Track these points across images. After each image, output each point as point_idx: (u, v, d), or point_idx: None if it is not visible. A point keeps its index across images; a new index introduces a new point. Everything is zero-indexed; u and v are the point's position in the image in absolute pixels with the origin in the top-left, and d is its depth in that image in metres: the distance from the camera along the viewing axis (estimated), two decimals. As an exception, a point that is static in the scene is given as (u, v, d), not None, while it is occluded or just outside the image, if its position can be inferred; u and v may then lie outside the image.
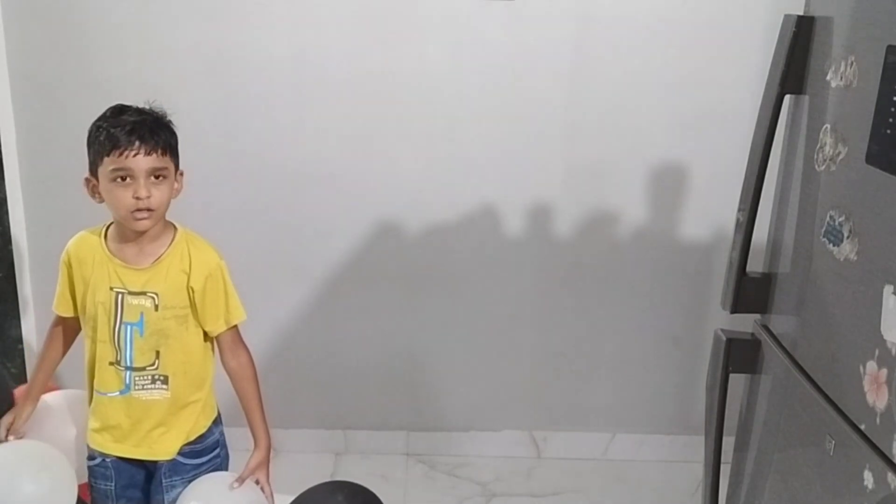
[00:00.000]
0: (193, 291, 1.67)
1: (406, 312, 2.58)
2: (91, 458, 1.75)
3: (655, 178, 2.47)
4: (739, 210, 1.67)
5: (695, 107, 2.41)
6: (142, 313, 1.64)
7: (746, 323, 1.73)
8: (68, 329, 1.77)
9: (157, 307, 1.65)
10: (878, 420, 1.22)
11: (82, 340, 1.74)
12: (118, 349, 1.66)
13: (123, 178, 1.55)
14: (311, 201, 2.49)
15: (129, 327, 1.65)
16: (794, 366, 1.51)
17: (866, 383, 1.25)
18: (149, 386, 1.68)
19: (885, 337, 1.20)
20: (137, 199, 1.55)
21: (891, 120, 1.22)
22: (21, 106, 2.41)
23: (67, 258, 1.69)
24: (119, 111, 1.60)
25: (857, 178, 1.32)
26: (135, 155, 1.55)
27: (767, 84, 1.60)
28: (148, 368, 1.67)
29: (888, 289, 1.20)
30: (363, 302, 2.57)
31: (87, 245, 1.67)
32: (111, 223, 1.68)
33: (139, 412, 1.69)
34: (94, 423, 1.72)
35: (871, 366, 1.24)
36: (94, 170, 1.59)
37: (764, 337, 1.66)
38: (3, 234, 2.47)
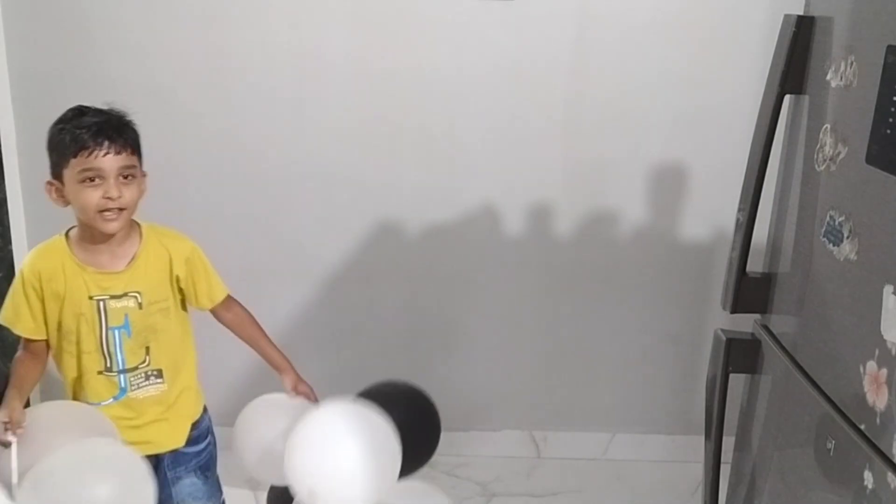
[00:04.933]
0: (179, 279, 1.69)
1: (405, 312, 2.58)
2: None
3: (655, 178, 2.47)
4: (739, 210, 1.67)
5: (695, 107, 2.41)
6: (126, 315, 1.64)
7: (746, 323, 1.73)
8: (39, 351, 1.67)
9: (140, 305, 1.64)
10: (878, 420, 1.22)
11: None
12: (107, 356, 1.64)
13: (92, 179, 1.53)
14: (311, 201, 2.49)
15: (116, 331, 1.63)
16: (794, 366, 1.51)
17: (866, 383, 1.25)
18: (144, 384, 1.68)
19: (885, 337, 1.20)
20: (108, 199, 1.54)
21: (891, 120, 1.22)
22: (21, 106, 2.41)
23: (31, 279, 1.61)
24: (80, 112, 1.58)
25: (857, 178, 1.32)
26: (104, 154, 1.53)
27: (767, 84, 1.60)
28: (140, 367, 1.67)
29: (888, 289, 1.20)
30: (363, 301, 2.57)
31: (51, 259, 1.62)
32: (68, 231, 1.65)
33: (138, 411, 1.69)
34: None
35: (871, 366, 1.24)
36: (57, 172, 1.56)
37: (764, 337, 1.66)
38: (3, 235, 2.47)
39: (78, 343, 1.63)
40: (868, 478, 1.23)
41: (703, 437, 1.83)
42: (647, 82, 2.39)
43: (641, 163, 2.46)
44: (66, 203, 1.58)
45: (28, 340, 1.67)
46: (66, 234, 1.64)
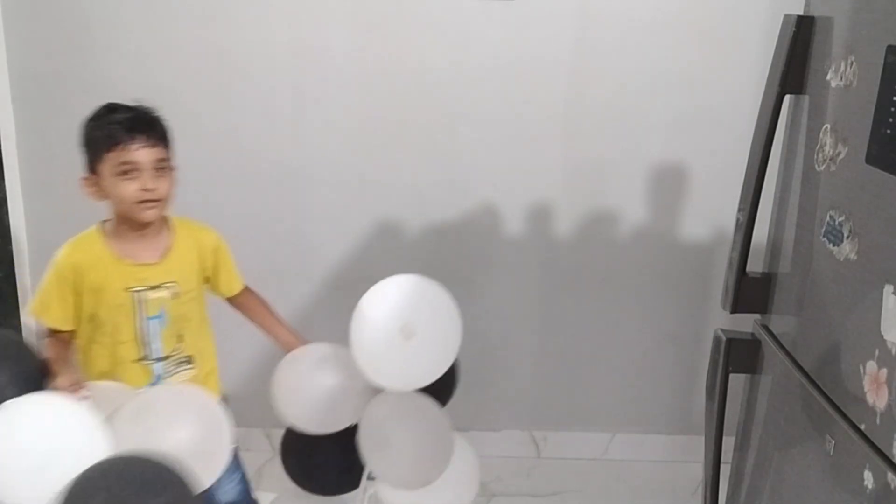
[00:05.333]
0: (207, 269, 1.78)
1: (406, 312, 2.58)
2: None
3: (655, 178, 2.47)
4: (739, 210, 1.67)
5: (695, 107, 2.41)
6: (162, 305, 1.70)
7: (746, 323, 1.73)
8: (65, 341, 1.70)
9: (175, 295, 1.70)
10: (878, 420, 1.22)
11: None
12: (144, 345, 1.69)
13: (128, 173, 1.59)
14: (311, 201, 2.49)
15: (152, 321, 1.69)
16: (794, 366, 1.51)
17: (866, 383, 1.25)
18: (176, 370, 1.74)
19: (885, 337, 1.20)
20: (145, 190, 1.60)
21: (891, 120, 1.22)
22: (21, 106, 2.42)
23: (66, 271, 1.65)
24: (111, 109, 1.63)
25: (857, 178, 1.32)
26: (139, 148, 1.59)
27: (767, 84, 1.60)
28: (174, 354, 1.73)
29: (888, 289, 1.20)
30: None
31: (88, 252, 1.67)
32: (102, 224, 1.69)
33: None
34: None
35: (871, 366, 1.24)
36: (93, 168, 1.61)
37: (764, 337, 1.66)
38: (3, 235, 2.47)
39: (113, 334, 1.68)
40: (868, 478, 1.23)
41: (703, 437, 1.83)
42: (647, 82, 2.39)
43: (641, 163, 2.46)
44: (104, 197, 1.64)
45: (54, 331, 1.70)
46: (101, 227, 1.69)
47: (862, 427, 1.26)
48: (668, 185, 2.48)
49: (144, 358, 1.70)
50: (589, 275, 2.55)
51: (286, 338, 1.88)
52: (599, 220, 2.51)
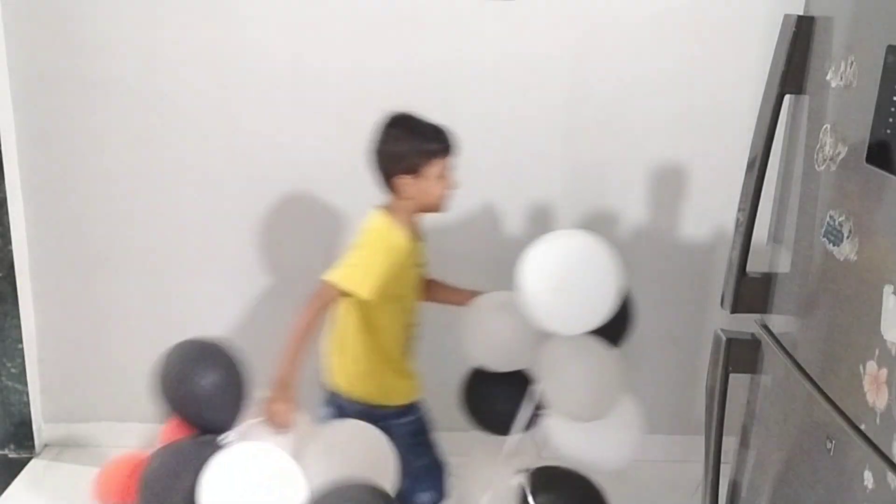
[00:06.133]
0: None
1: (406, 312, 2.58)
2: (408, 413, 2.03)
3: (655, 178, 2.47)
4: (739, 210, 1.67)
5: (695, 107, 2.41)
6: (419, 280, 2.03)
7: (746, 323, 1.73)
8: (313, 332, 1.89)
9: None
10: (878, 420, 1.22)
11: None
12: (415, 314, 2.03)
13: (442, 176, 1.93)
14: (311, 201, 2.49)
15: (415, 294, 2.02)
16: (794, 366, 1.51)
17: (866, 383, 1.25)
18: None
19: (885, 337, 1.20)
20: (450, 189, 1.95)
21: (891, 120, 1.22)
22: (21, 106, 2.41)
23: (394, 249, 1.91)
24: (423, 123, 1.95)
25: (857, 178, 1.32)
26: (452, 157, 1.95)
27: (767, 84, 1.60)
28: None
29: (888, 289, 1.20)
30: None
31: (403, 234, 1.94)
32: (386, 211, 1.93)
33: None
34: (406, 381, 2.04)
35: (871, 366, 1.24)
36: (414, 170, 1.89)
37: (764, 337, 1.66)
38: (3, 234, 2.47)
39: (403, 305, 1.99)
40: (868, 478, 1.23)
41: (703, 437, 1.83)
42: (646, 83, 2.39)
43: (641, 163, 2.46)
44: (415, 194, 1.91)
45: (343, 298, 1.89)
46: (387, 213, 1.93)
47: (862, 427, 1.26)
48: (668, 185, 2.47)
49: (415, 325, 2.05)
50: (589, 275, 2.55)
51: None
52: (599, 220, 2.50)
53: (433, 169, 1.91)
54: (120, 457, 1.85)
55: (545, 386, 1.96)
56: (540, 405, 2.00)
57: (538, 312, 1.91)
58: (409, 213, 1.96)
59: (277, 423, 1.78)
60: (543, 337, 1.96)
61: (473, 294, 2.09)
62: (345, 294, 1.87)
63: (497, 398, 2.08)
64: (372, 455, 1.80)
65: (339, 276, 1.86)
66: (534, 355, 1.98)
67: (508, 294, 1.99)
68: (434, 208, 1.97)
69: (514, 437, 2.04)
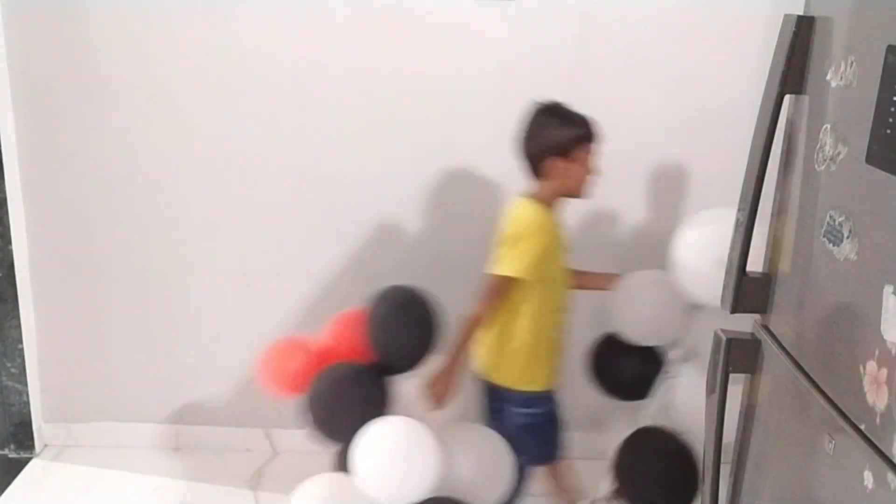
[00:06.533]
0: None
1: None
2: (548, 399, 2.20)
3: (655, 178, 2.47)
4: (739, 210, 1.67)
5: (695, 107, 2.41)
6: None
7: (746, 323, 1.73)
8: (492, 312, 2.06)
9: None
10: (878, 420, 1.22)
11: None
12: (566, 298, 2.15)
13: (587, 160, 2.04)
14: (311, 201, 2.49)
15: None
16: (794, 366, 1.51)
17: (866, 383, 1.25)
18: None
19: (885, 337, 1.20)
20: (593, 174, 2.06)
21: (891, 120, 1.22)
22: (21, 106, 2.42)
23: (550, 236, 2.04)
24: (570, 109, 2.06)
25: (857, 178, 1.31)
26: (597, 144, 2.06)
27: (767, 84, 1.60)
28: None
29: (888, 289, 1.20)
30: (362, 301, 2.57)
31: (552, 216, 2.06)
32: (534, 198, 2.05)
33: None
34: (547, 369, 2.17)
35: (871, 366, 1.24)
36: (566, 152, 2.01)
37: (764, 337, 1.66)
38: (3, 235, 2.47)
39: (555, 289, 2.09)
40: (868, 478, 1.23)
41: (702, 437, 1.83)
42: (646, 82, 2.40)
43: (641, 163, 2.46)
44: (562, 175, 2.03)
45: (510, 286, 2.02)
46: (535, 200, 2.05)
47: (862, 427, 1.26)
48: (668, 185, 2.47)
49: (565, 310, 2.16)
50: (589, 275, 2.55)
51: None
52: (599, 220, 2.50)
53: (581, 153, 2.03)
54: (289, 342, 2.12)
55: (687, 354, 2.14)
56: (670, 371, 2.20)
57: (696, 287, 2.04)
58: (554, 197, 2.07)
59: (435, 402, 1.98)
60: (692, 310, 2.15)
61: (613, 277, 2.22)
62: (513, 284, 2.00)
63: (630, 366, 2.30)
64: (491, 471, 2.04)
65: (508, 267, 2.00)
66: (681, 328, 2.19)
67: (657, 272, 2.18)
68: (577, 192, 2.08)
69: (652, 401, 2.24)
